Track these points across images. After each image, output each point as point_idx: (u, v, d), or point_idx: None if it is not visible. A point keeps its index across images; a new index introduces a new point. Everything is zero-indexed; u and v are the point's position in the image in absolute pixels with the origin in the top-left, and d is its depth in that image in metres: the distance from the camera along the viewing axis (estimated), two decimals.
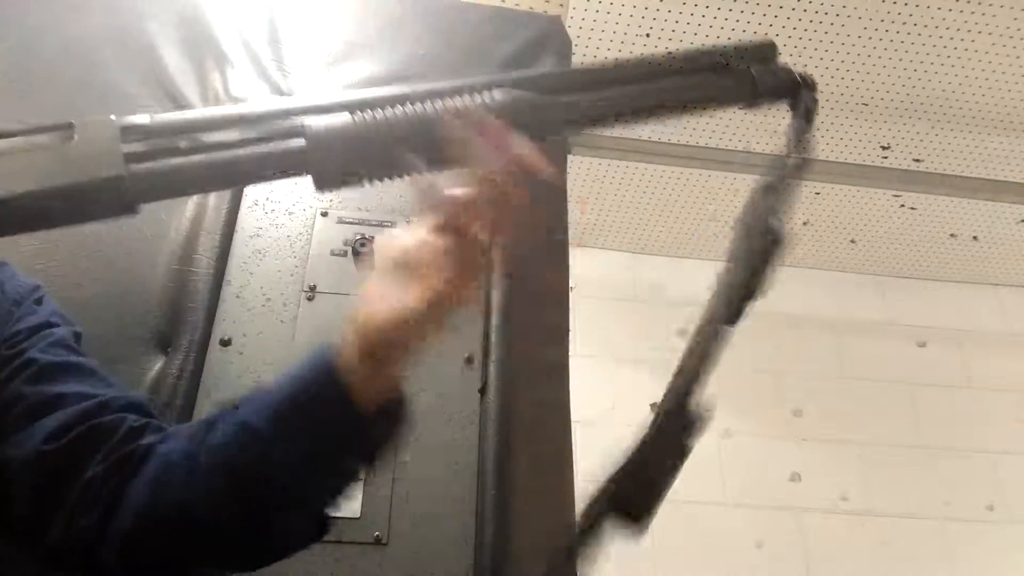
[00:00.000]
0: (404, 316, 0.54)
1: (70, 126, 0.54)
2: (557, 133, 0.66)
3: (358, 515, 0.94)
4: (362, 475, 0.63)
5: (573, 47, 1.42)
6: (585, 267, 2.46)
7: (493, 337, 1.06)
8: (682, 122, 0.65)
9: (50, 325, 0.68)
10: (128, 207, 0.55)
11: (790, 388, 2.56)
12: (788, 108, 0.71)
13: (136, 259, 1.04)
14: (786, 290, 2.80)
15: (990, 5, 1.79)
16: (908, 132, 2.21)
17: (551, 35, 1.36)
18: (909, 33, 1.88)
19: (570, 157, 1.83)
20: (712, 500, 2.33)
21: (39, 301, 0.70)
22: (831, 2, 1.81)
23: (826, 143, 2.26)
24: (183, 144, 0.55)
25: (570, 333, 1.15)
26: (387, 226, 1.14)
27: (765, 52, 0.71)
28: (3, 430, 0.62)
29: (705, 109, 0.71)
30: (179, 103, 1.16)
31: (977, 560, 2.40)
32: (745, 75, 0.69)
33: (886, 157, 2.29)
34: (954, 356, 2.71)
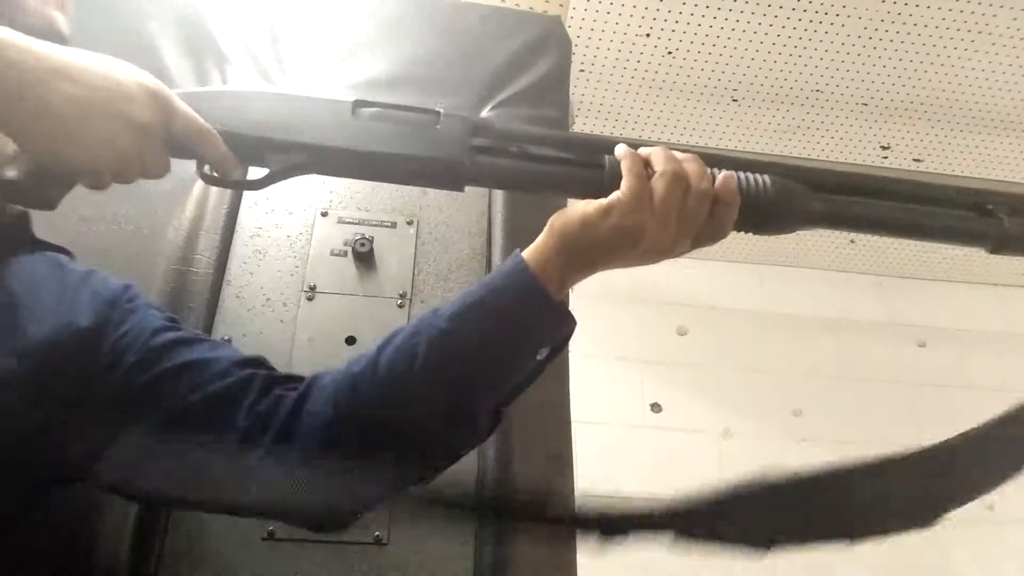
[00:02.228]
0: (607, 236, 0.62)
1: (438, 114, 0.68)
2: (799, 228, 0.70)
3: None
4: (543, 368, 0.68)
5: (573, 47, 1.42)
6: None
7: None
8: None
9: (147, 316, 0.69)
10: (458, 186, 0.69)
11: (790, 388, 2.56)
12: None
13: (136, 259, 1.04)
14: (786, 290, 2.81)
15: (990, 5, 1.79)
16: (908, 132, 2.21)
17: (551, 35, 1.36)
18: (909, 33, 1.88)
19: None
20: None
21: (132, 299, 0.71)
22: (831, 2, 1.81)
23: (826, 143, 2.26)
24: (513, 149, 0.69)
25: None
26: (387, 226, 1.14)
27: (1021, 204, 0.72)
28: (142, 414, 0.63)
29: (941, 242, 0.73)
30: None
31: (977, 560, 2.40)
32: (997, 224, 0.71)
33: (886, 157, 2.30)
34: (954, 356, 2.71)
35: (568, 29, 1.50)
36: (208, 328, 1.01)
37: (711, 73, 2.03)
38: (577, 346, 1.16)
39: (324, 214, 1.14)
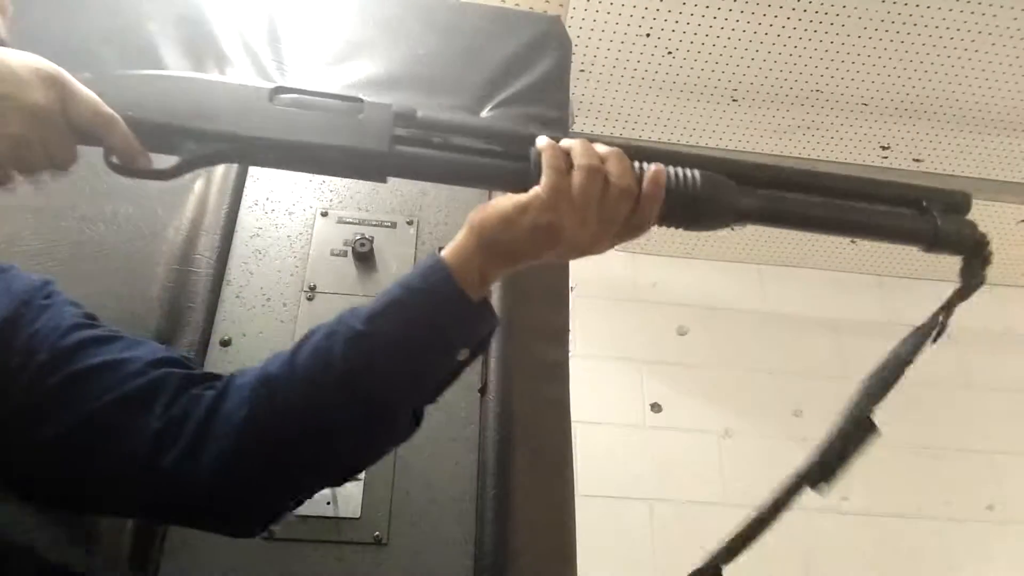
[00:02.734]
0: (526, 234, 0.61)
1: (361, 102, 0.67)
2: (727, 224, 0.69)
3: (358, 515, 0.94)
4: (464, 368, 0.67)
5: (573, 47, 1.42)
6: (585, 267, 2.46)
7: (494, 336, 1.06)
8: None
9: (61, 314, 0.67)
10: (380, 177, 0.67)
11: (790, 388, 2.56)
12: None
13: (136, 259, 1.04)
14: (786, 290, 2.81)
15: (990, 5, 1.79)
16: (908, 132, 2.21)
17: (551, 35, 1.36)
18: (909, 33, 1.88)
19: None
20: (712, 501, 2.33)
21: (49, 295, 0.69)
22: (831, 2, 1.81)
23: (826, 143, 2.26)
24: (438, 139, 0.67)
25: (570, 333, 1.15)
26: (387, 226, 1.14)
27: (959, 202, 0.72)
28: (49, 418, 0.61)
29: (876, 239, 0.73)
30: None
31: (977, 560, 2.40)
32: (930, 220, 0.70)
33: (886, 157, 2.29)
34: (954, 356, 2.71)
35: (568, 29, 1.50)
36: (208, 328, 1.01)
37: (711, 73, 2.03)
38: (577, 346, 1.16)
39: (324, 214, 1.14)
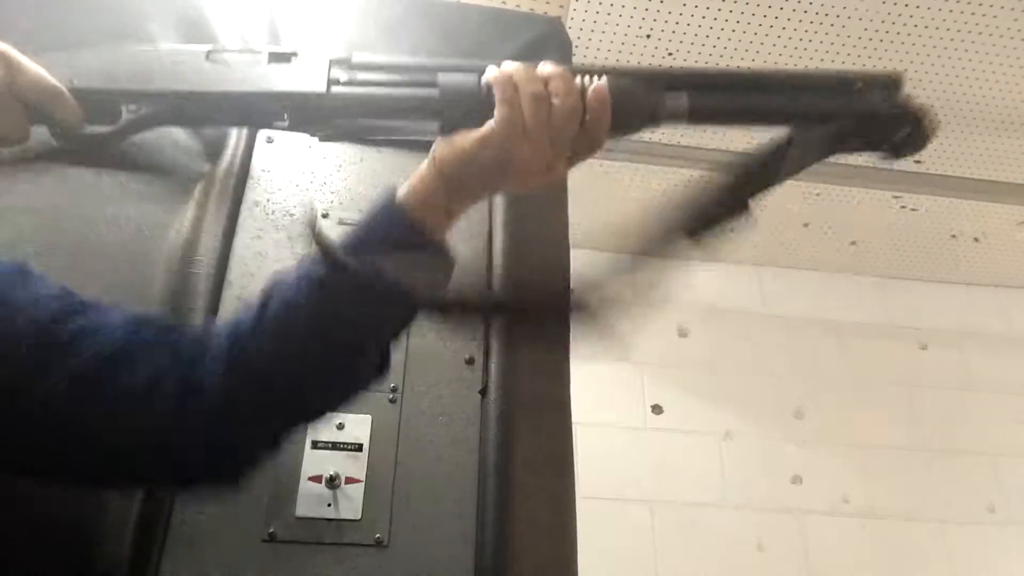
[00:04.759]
0: (488, 167, 0.63)
1: (294, 53, 0.68)
2: (656, 125, 0.69)
3: (359, 517, 0.93)
4: (421, 305, 0.68)
5: (573, 48, 1.42)
6: (585, 268, 2.46)
7: (494, 338, 1.06)
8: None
9: (38, 292, 0.66)
10: (323, 123, 0.67)
11: (791, 390, 2.56)
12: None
13: (137, 260, 1.04)
14: (787, 292, 2.81)
15: (990, 6, 1.79)
16: None
17: (551, 36, 1.36)
18: (909, 34, 1.88)
19: None
20: (713, 502, 2.33)
21: (26, 282, 0.67)
22: (830, 3, 1.81)
23: None
24: (378, 78, 0.67)
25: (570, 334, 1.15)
26: None
27: (891, 81, 0.71)
28: (31, 388, 0.60)
29: (809, 124, 0.71)
30: None
31: (978, 561, 2.40)
32: (864, 100, 0.70)
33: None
34: (955, 358, 2.71)
35: (568, 30, 1.50)
36: None
37: None
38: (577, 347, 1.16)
39: (325, 215, 1.14)
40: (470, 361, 1.06)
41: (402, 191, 0.65)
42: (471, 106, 0.65)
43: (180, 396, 0.62)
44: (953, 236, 2.60)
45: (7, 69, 0.61)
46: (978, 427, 2.59)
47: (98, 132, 0.67)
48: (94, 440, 0.62)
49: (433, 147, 0.66)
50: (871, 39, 1.90)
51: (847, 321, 2.72)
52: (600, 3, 1.84)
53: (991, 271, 2.78)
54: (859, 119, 0.69)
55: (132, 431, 0.61)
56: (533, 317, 0.84)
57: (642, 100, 0.67)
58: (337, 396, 0.69)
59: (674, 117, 0.68)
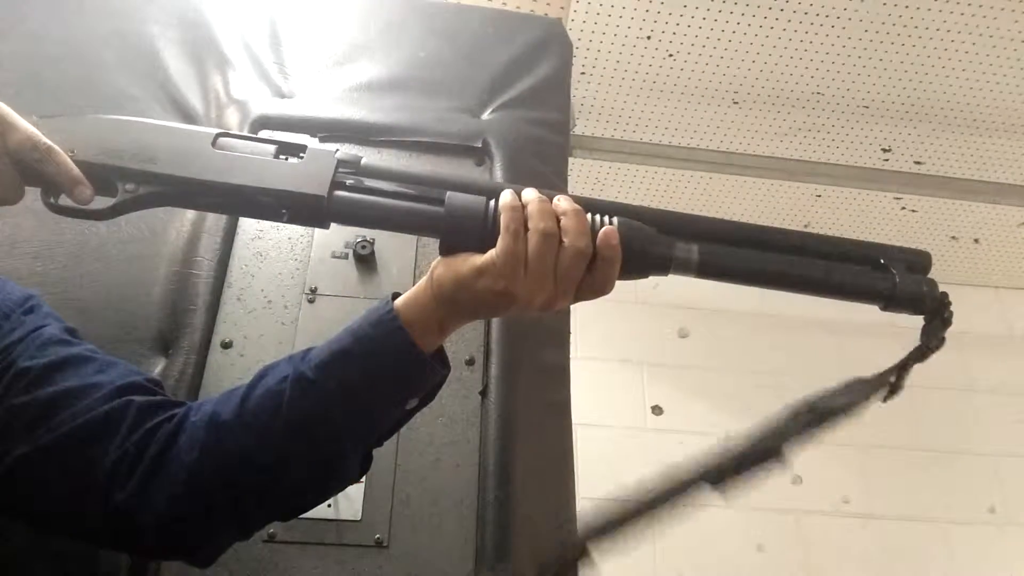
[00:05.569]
0: (482, 296, 0.61)
1: (304, 147, 0.66)
2: (665, 274, 0.67)
3: (359, 517, 0.94)
4: (413, 415, 0.68)
5: (574, 49, 1.42)
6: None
7: (494, 339, 1.06)
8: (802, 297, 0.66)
9: (38, 328, 0.68)
10: (322, 223, 0.66)
11: (791, 390, 2.54)
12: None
13: (137, 261, 1.04)
14: (787, 292, 2.80)
15: (991, 8, 1.79)
16: (909, 134, 2.21)
17: (552, 37, 1.36)
18: (910, 36, 1.88)
19: (571, 159, 1.83)
20: (713, 503, 2.32)
21: (29, 311, 0.69)
22: (832, 4, 1.81)
23: (827, 146, 2.26)
24: (382, 187, 0.66)
25: (571, 335, 1.15)
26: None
27: (919, 261, 0.70)
28: (12, 439, 0.62)
29: (830, 295, 0.70)
30: (180, 105, 1.17)
31: (979, 562, 2.40)
32: (889, 278, 0.68)
33: (887, 159, 2.29)
34: (955, 358, 2.70)
35: (569, 32, 1.51)
36: (209, 330, 1.01)
37: (712, 75, 2.03)
38: (578, 349, 1.16)
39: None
40: (470, 362, 1.06)
41: (399, 302, 0.64)
42: (476, 231, 0.63)
43: (142, 484, 0.62)
44: (953, 237, 2.60)
45: None
46: (979, 428, 2.59)
47: (91, 209, 0.65)
48: (56, 505, 0.63)
49: (433, 264, 0.64)
50: (871, 40, 1.90)
51: (848, 322, 2.72)
52: (600, 4, 1.84)
53: (991, 272, 2.77)
54: (880, 298, 0.68)
55: (93, 506, 0.62)
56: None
57: (655, 249, 0.65)
58: (313, 495, 0.67)
59: (683, 268, 0.66)
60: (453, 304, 0.62)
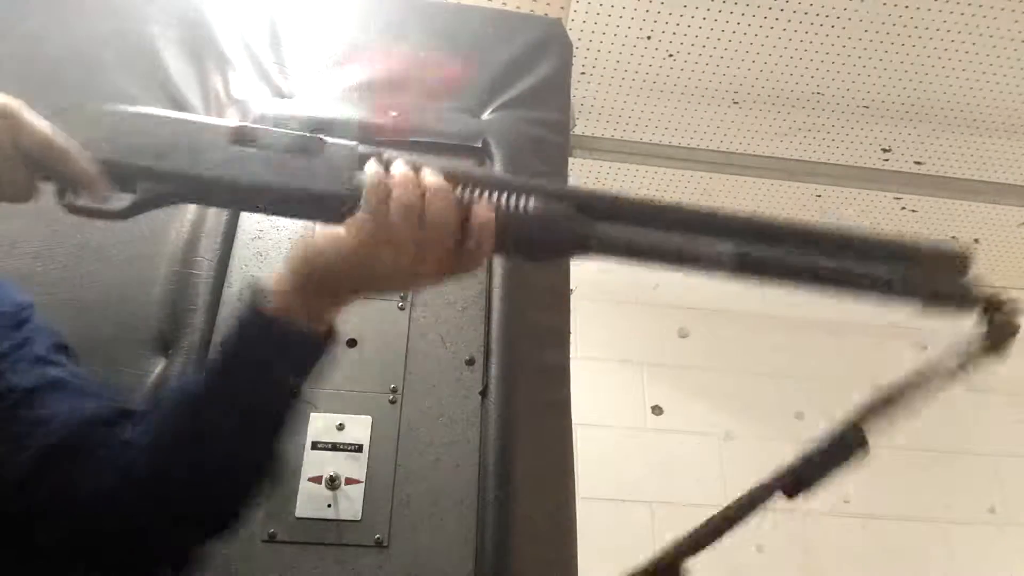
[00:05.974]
0: (340, 264, 0.61)
1: (323, 142, 0.64)
2: (584, 255, 0.64)
3: (359, 518, 0.94)
4: (295, 393, 0.68)
5: (574, 49, 1.42)
6: (586, 269, 2.46)
7: (494, 339, 1.06)
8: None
9: (25, 344, 0.69)
10: (340, 219, 0.62)
11: (792, 391, 2.55)
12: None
13: (137, 261, 1.04)
14: (787, 293, 2.81)
15: (991, 8, 1.79)
16: (909, 135, 2.21)
17: (552, 38, 1.36)
18: (910, 36, 1.88)
19: (571, 159, 1.83)
20: (713, 503, 2.32)
21: (20, 323, 0.70)
22: (832, 4, 1.81)
23: (827, 145, 2.26)
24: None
25: (571, 335, 1.15)
26: None
27: (957, 261, 0.66)
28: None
29: (855, 295, 0.67)
30: (180, 105, 1.17)
31: (979, 562, 2.40)
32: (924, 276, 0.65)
33: (887, 160, 2.29)
34: (955, 359, 2.70)
35: (569, 32, 1.50)
36: (209, 331, 1.01)
37: (712, 75, 2.03)
38: (578, 349, 1.16)
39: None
40: (470, 362, 1.06)
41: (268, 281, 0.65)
42: (341, 202, 0.62)
43: (116, 483, 0.64)
44: (953, 238, 2.60)
45: (9, 124, 0.58)
46: (979, 428, 2.59)
47: (108, 209, 0.64)
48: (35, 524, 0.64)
49: (292, 243, 0.65)
50: (871, 40, 1.90)
51: (848, 322, 2.71)
52: (600, 4, 1.84)
53: (991, 273, 2.77)
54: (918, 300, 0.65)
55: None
56: None
57: (565, 228, 0.62)
58: (238, 496, 0.68)
59: (594, 249, 0.63)
60: (305, 278, 0.63)
